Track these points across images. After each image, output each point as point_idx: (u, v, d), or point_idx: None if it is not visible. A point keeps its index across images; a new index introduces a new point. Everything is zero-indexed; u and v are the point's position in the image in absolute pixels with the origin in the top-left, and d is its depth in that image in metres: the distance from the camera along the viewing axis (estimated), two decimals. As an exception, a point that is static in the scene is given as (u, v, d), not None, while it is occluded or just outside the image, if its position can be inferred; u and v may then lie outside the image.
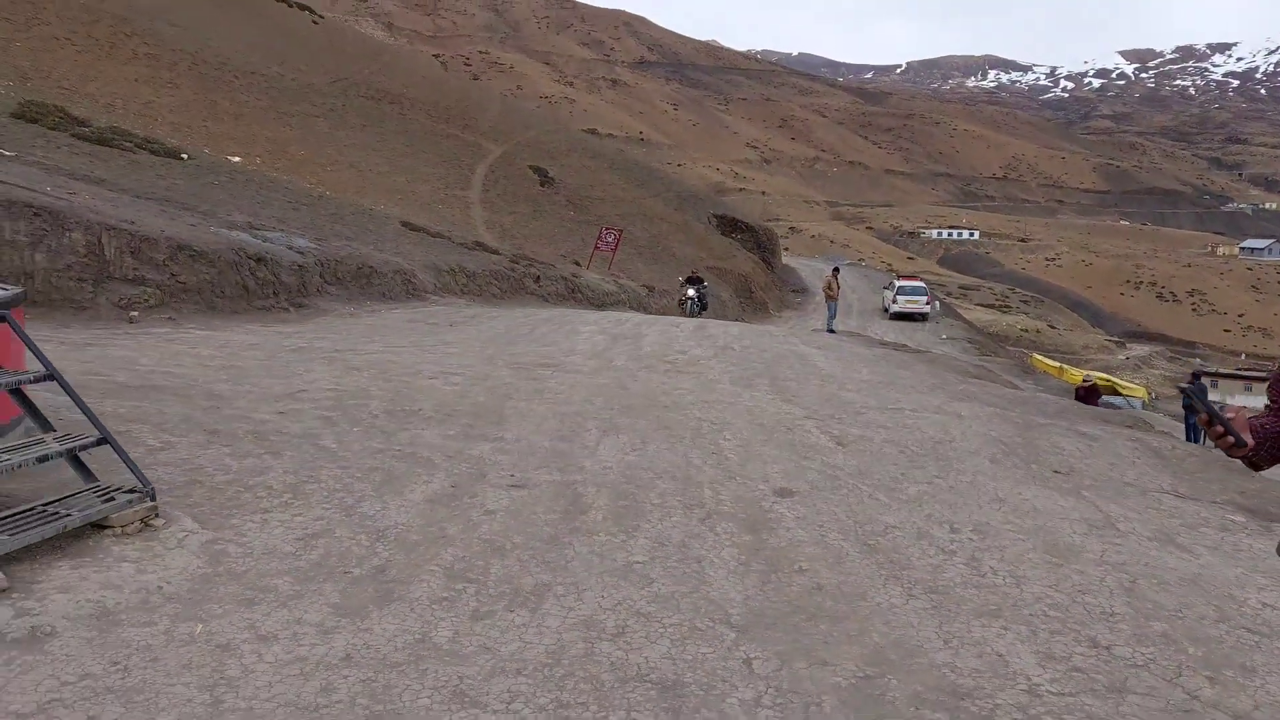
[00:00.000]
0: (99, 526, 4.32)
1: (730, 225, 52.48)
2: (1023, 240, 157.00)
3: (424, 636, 3.63)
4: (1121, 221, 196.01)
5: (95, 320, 11.98)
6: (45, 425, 4.69)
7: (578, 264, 33.39)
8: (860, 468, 6.45)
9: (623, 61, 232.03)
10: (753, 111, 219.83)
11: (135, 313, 12.37)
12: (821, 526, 5.15)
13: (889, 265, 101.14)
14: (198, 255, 13.94)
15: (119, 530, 4.34)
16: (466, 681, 3.28)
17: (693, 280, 28.57)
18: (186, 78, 39.51)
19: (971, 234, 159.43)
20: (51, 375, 4.63)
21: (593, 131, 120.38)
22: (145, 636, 3.48)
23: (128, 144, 24.44)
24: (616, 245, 34.59)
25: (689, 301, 27.55)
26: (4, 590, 3.66)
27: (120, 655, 3.34)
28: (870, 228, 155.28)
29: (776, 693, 3.29)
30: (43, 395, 5.32)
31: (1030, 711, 3.26)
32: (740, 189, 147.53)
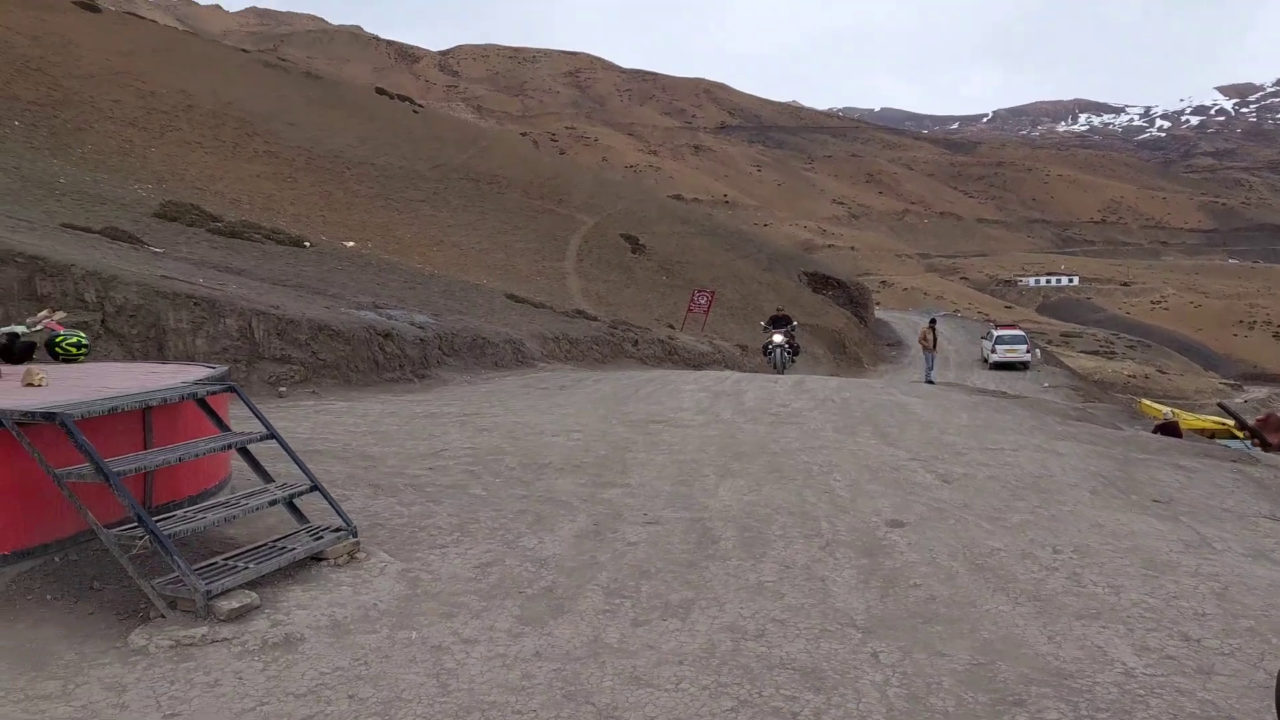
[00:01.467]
0: (316, 558, 5.17)
1: (821, 282, 52.91)
2: (1125, 284, 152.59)
3: (596, 638, 4.32)
4: (1230, 260, 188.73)
5: (250, 396, 13.25)
6: (266, 477, 5.61)
7: (671, 327, 34.31)
8: (965, 501, 6.96)
9: (705, 127, 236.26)
10: (838, 168, 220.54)
11: (284, 388, 13.63)
12: (932, 550, 5.69)
13: (986, 315, 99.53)
14: (334, 334, 15.24)
15: (332, 561, 5.19)
16: (639, 669, 3.96)
17: (778, 321, 24.75)
18: (303, 172, 42.33)
19: (1071, 280, 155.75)
20: (272, 435, 5.57)
21: (678, 197, 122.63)
22: (373, 641, 4.27)
23: (257, 236, 26.49)
24: (709, 307, 35.42)
25: (776, 351, 23.64)
26: (257, 607, 4.51)
27: (358, 654, 4.13)
28: (965, 278, 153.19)
29: (902, 675, 3.88)
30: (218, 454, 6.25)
31: (1126, 688, 3.76)
32: (829, 245, 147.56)
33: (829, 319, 45.64)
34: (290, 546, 5.08)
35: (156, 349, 13.11)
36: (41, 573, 4.75)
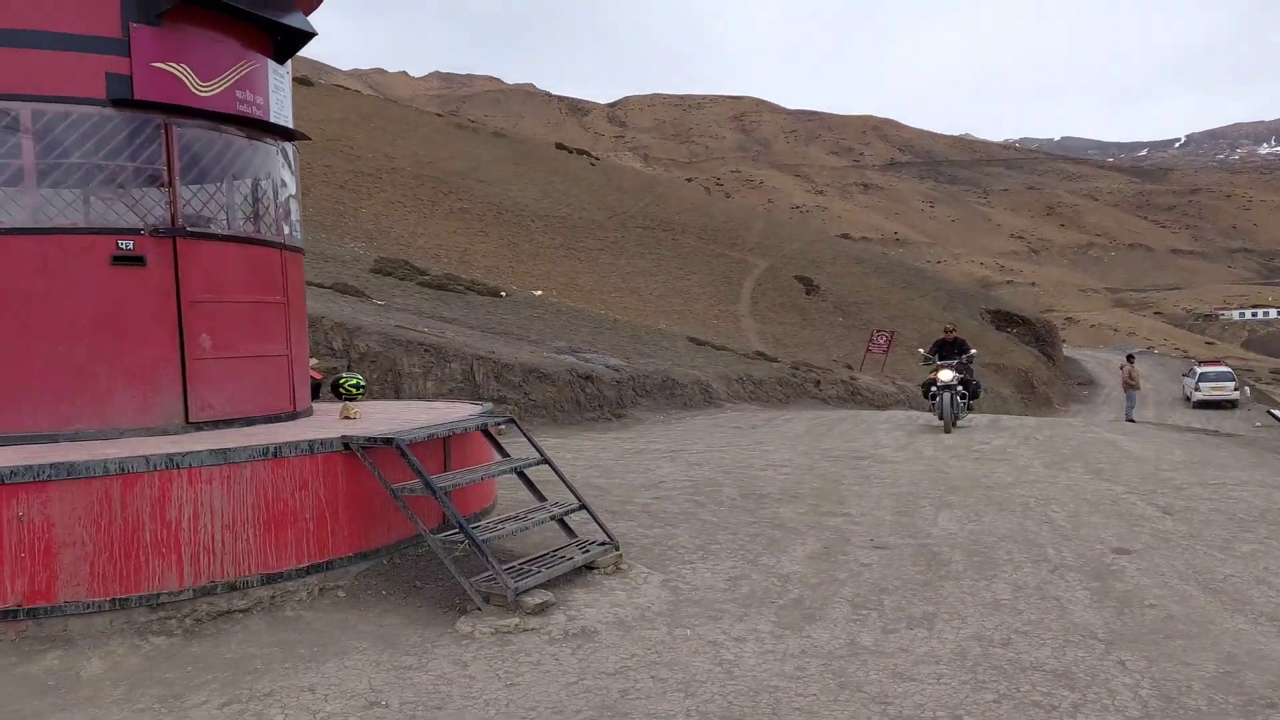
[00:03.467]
0: (588, 567, 5.92)
1: (1004, 320, 51.31)
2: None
3: (852, 641, 4.83)
4: None
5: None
6: (540, 497, 6.44)
7: (849, 368, 34.27)
8: (1190, 531, 7.04)
9: (873, 165, 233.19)
10: (1015, 201, 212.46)
11: (501, 426, 14.80)
12: (1162, 575, 5.88)
13: (1184, 351, 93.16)
14: (543, 376, 16.41)
15: (602, 571, 5.93)
16: (899, 667, 4.45)
17: (947, 348, 15.67)
18: (492, 225, 45.02)
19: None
20: (545, 460, 6.41)
21: (846, 236, 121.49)
22: (656, 635, 4.94)
23: (459, 287, 28.53)
24: (889, 347, 35.17)
25: (943, 395, 14.54)
26: (554, 604, 5.27)
27: (648, 645, 4.80)
28: (1158, 313, 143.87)
29: (1151, 681, 4.20)
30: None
31: (1380, 700, 3.95)
32: (1008, 281, 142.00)
33: (1015, 358, 44.21)
34: (569, 556, 5.85)
35: (394, 391, 14.57)
36: (375, 572, 5.71)
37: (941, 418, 14.46)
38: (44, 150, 5.70)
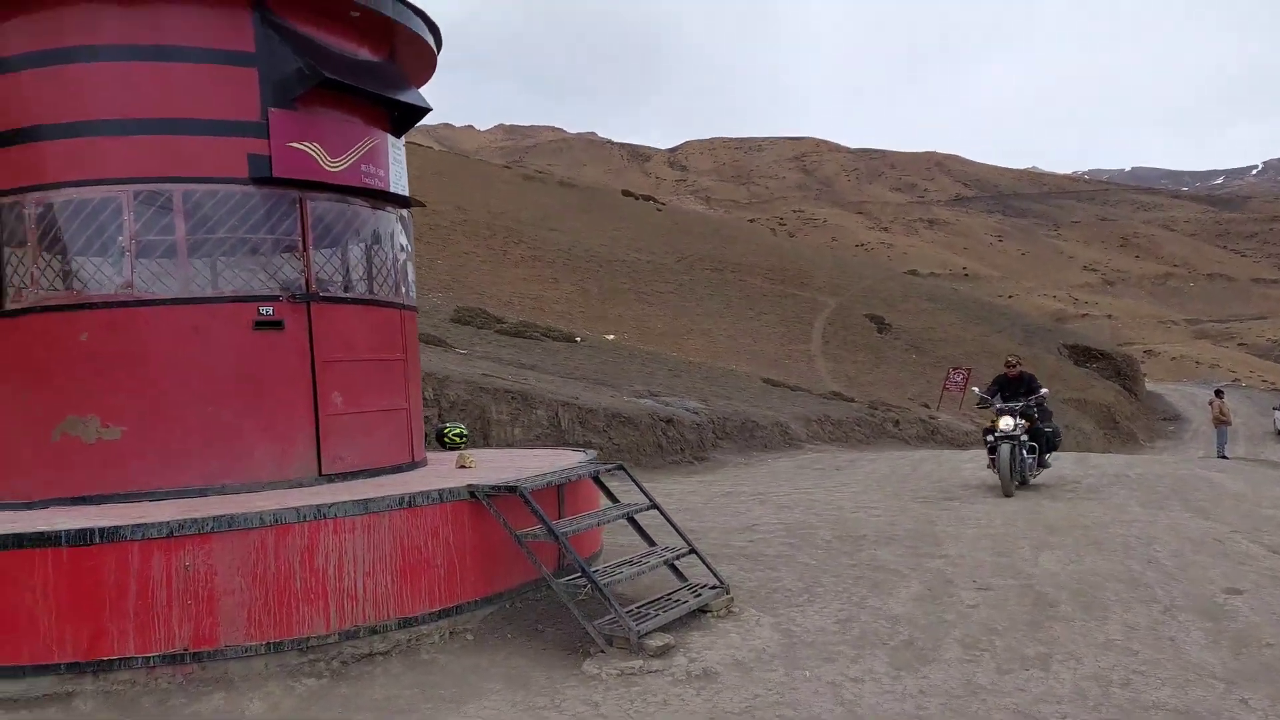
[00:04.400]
0: (701, 610, 6.13)
1: (1083, 354, 50.32)
2: None
3: (968, 681, 4.96)
4: None
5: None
6: (650, 541, 6.69)
7: (926, 406, 33.97)
8: (1302, 572, 6.98)
9: (938, 200, 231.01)
10: (1087, 233, 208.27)
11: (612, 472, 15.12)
12: (1276, 614, 5.87)
13: (1271, 384, 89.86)
14: (625, 420, 16.71)
15: (715, 614, 6.13)
16: (1021, 705, 4.57)
17: (1010, 386, 12.40)
18: (564, 272, 45.82)
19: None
20: (654, 505, 6.66)
21: (914, 273, 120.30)
22: (775, 676, 5.12)
23: (535, 334, 29.13)
24: (965, 385, 34.76)
25: (1004, 447, 11.47)
26: (673, 646, 5.49)
27: (768, 685, 4.98)
28: (1242, 344, 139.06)
29: (1277, 719, 4.25)
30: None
31: None
32: (1083, 315, 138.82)
33: (1096, 393, 43.28)
34: (683, 599, 6.07)
35: (483, 438, 14.98)
36: (499, 616, 6.00)
37: (1004, 476, 11.29)
38: (194, 226, 6.22)
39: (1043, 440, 12.22)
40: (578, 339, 30.18)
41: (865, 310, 50.63)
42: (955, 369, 35.91)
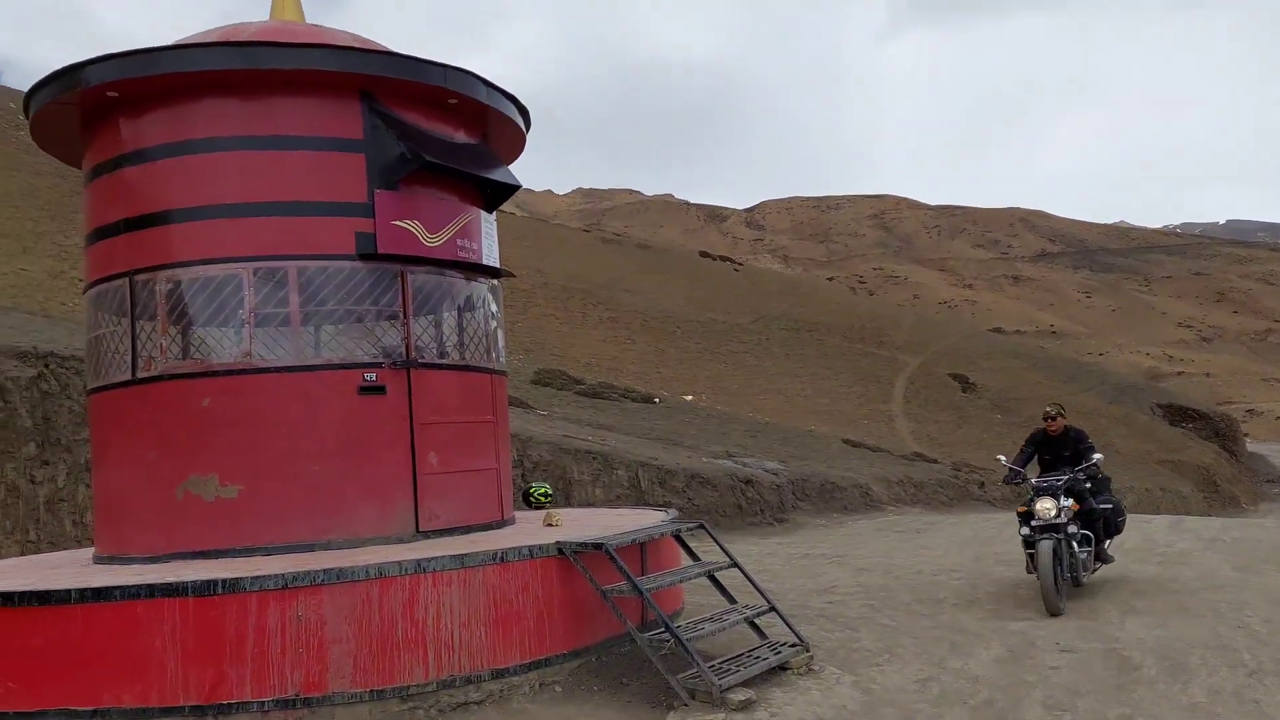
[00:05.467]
0: (781, 668, 6.27)
1: (1178, 414, 48.67)
2: None
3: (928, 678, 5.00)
4: None
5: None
6: (731, 599, 6.87)
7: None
8: (1403, 639, 6.78)
9: (1022, 256, 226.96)
10: (1180, 289, 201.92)
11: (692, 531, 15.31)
12: (1374, 683, 5.76)
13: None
14: (704, 481, 16.89)
15: (795, 671, 6.26)
16: (1100, 765, 4.61)
17: (1051, 448, 9.18)
18: (639, 333, 46.44)
19: None
20: (734, 564, 6.86)
21: (998, 330, 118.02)
22: (855, 732, 5.23)
23: (614, 394, 29.57)
24: (1053, 445, 33.97)
25: (1043, 543, 8.10)
26: (755, 701, 5.65)
27: (848, 740, 5.10)
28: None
29: (1364, 785, 4.22)
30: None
31: None
32: (1178, 373, 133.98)
33: (1193, 454, 41.76)
34: (763, 656, 6.23)
35: (564, 498, 15.31)
36: (585, 669, 6.24)
37: (1046, 579, 7.94)
38: (306, 299, 6.75)
39: (1099, 524, 8.91)
40: (655, 399, 30.53)
41: (948, 369, 49.96)
42: (1041, 429, 35.15)
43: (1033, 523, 8.32)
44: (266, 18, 7.83)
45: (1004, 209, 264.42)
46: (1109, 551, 9.40)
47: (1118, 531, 9.53)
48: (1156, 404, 51.27)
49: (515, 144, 8.41)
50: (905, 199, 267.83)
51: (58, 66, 6.95)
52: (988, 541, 14.25)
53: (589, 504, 15.44)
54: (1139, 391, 56.08)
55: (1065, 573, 8.33)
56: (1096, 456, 8.86)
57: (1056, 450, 9.08)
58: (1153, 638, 7.07)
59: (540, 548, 6.10)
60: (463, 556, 5.77)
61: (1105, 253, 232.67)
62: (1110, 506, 9.17)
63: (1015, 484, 9.33)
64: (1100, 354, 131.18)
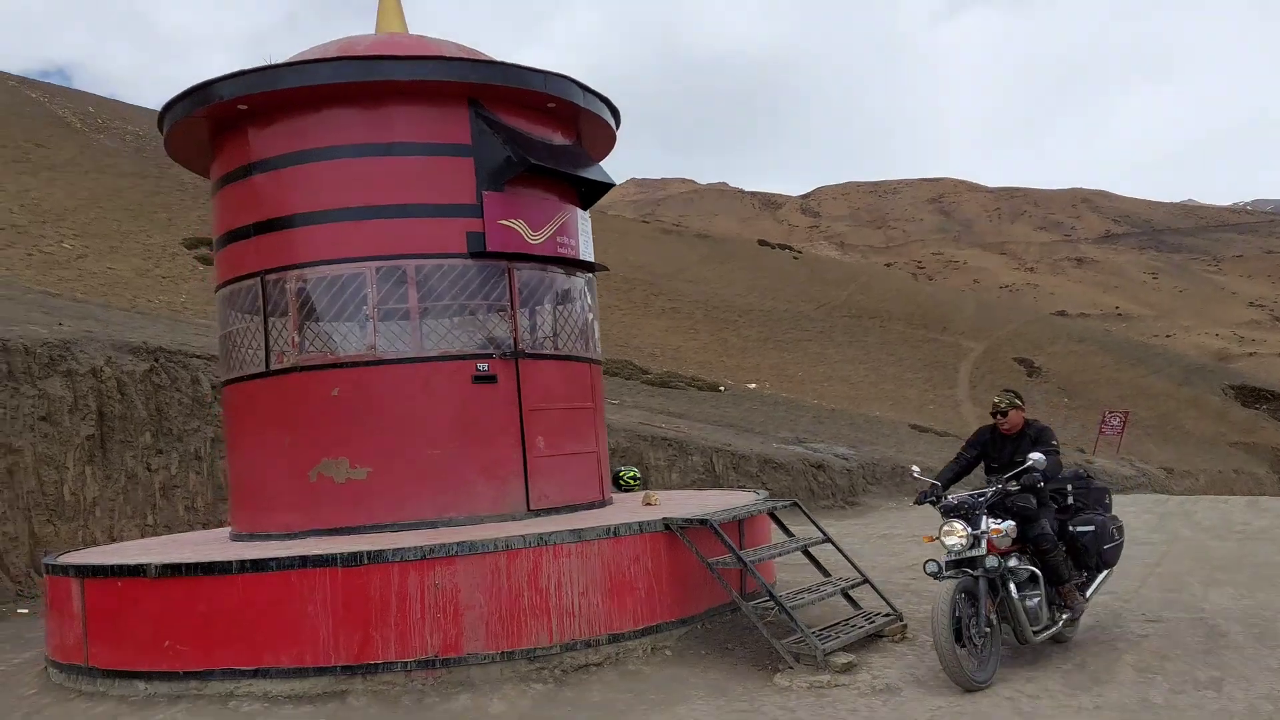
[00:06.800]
0: (876, 635, 6.62)
1: (1251, 395, 47.59)
2: None
3: (1144, 699, 5.29)
4: None
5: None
6: (825, 572, 7.24)
7: (1081, 450, 32.93)
8: None
9: (1085, 238, 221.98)
10: (1251, 268, 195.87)
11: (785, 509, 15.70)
12: None
13: None
14: (777, 466, 17.22)
15: (889, 638, 6.62)
16: None
17: (1000, 451, 6.65)
18: (702, 323, 46.71)
19: None
20: (827, 539, 7.22)
21: (1062, 313, 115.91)
22: (953, 691, 5.56)
23: (680, 383, 29.97)
24: (1123, 428, 33.60)
25: (950, 585, 5.63)
26: (855, 664, 6.02)
27: (948, 700, 5.44)
28: None
29: None
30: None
31: None
32: (1250, 354, 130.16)
33: (1267, 435, 40.89)
34: (859, 624, 6.59)
35: (642, 484, 15.75)
36: (692, 635, 6.66)
37: (939, 645, 5.52)
38: (423, 295, 7.25)
39: (1057, 557, 6.14)
40: (721, 388, 30.86)
41: (1013, 354, 49.45)
42: (1110, 412, 34.76)
43: (942, 558, 5.93)
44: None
45: (1066, 190, 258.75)
46: (1085, 596, 6.43)
47: (1106, 564, 6.59)
48: (1228, 385, 50.16)
49: (607, 142, 8.84)
50: (964, 182, 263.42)
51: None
52: (1063, 522, 14.39)
53: (665, 488, 15.86)
54: (1209, 373, 54.87)
55: (981, 627, 5.63)
56: (1034, 457, 6.00)
57: (1009, 455, 6.45)
58: (1238, 608, 7.28)
59: (649, 523, 6.52)
60: (580, 531, 6.22)
61: (1172, 232, 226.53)
62: (1090, 530, 6.44)
63: (930, 503, 6.45)
64: (1167, 336, 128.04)
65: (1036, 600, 6.01)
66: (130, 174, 38.28)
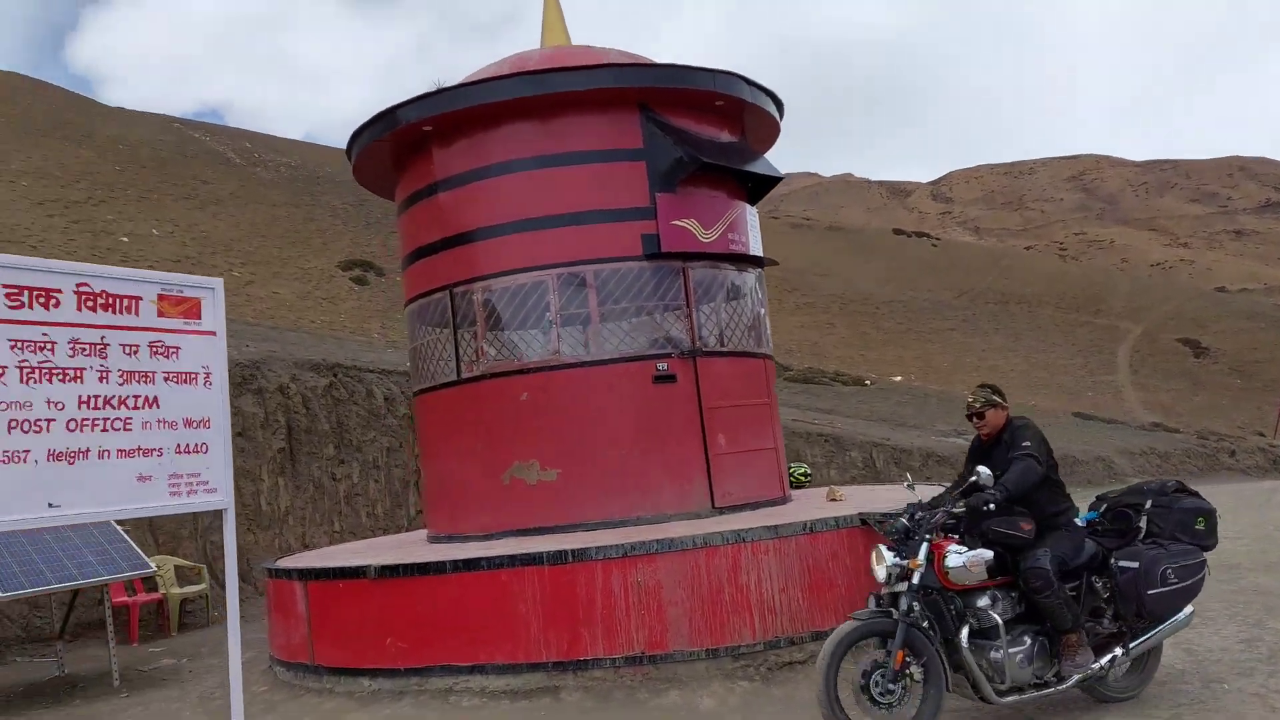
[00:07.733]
0: (1091, 630, 6.32)
1: None
2: None
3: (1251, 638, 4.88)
4: None
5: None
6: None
7: (1261, 434, 30.82)
8: None
9: (1244, 209, 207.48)
10: None
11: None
12: None
13: None
14: (941, 459, 16.76)
15: (1106, 633, 6.30)
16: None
17: (982, 464, 4.95)
18: (839, 317, 45.96)
19: None
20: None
21: (1223, 289, 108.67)
22: (1191, 689, 5.26)
23: (824, 379, 29.59)
24: (1308, 409, 31.23)
25: (846, 630, 4.51)
26: (1075, 659, 5.75)
27: (1189, 696, 5.16)
28: None
29: None
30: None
31: None
32: None
33: None
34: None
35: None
36: (894, 632, 6.52)
37: (821, 703, 4.40)
38: (602, 299, 7.38)
39: (1057, 604, 4.74)
40: (867, 382, 30.29)
41: (1175, 334, 46.67)
42: (1294, 391, 32.32)
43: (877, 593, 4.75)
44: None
45: (1220, 159, 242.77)
46: (1127, 649, 4.98)
47: (1153, 617, 4.98)
48: None
49: (770, 134, 8.80)
50: (1106, 157, 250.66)
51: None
52: (1259, 508, 13.51)
53: (823, 485, 15.66)
54: (1404, 346, 50.33)
55: (886, 683, 4.42)
56: (981, 472, 4.83)
57: (991, 466, 4.99)
58: None
59: (845, 518, 6.44)
60: (776, 527, 6.19)
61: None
62: (1132, 568, 4.90)
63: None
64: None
65: (1000, 653, 4.61)
66: (285, 203, 40.49)
